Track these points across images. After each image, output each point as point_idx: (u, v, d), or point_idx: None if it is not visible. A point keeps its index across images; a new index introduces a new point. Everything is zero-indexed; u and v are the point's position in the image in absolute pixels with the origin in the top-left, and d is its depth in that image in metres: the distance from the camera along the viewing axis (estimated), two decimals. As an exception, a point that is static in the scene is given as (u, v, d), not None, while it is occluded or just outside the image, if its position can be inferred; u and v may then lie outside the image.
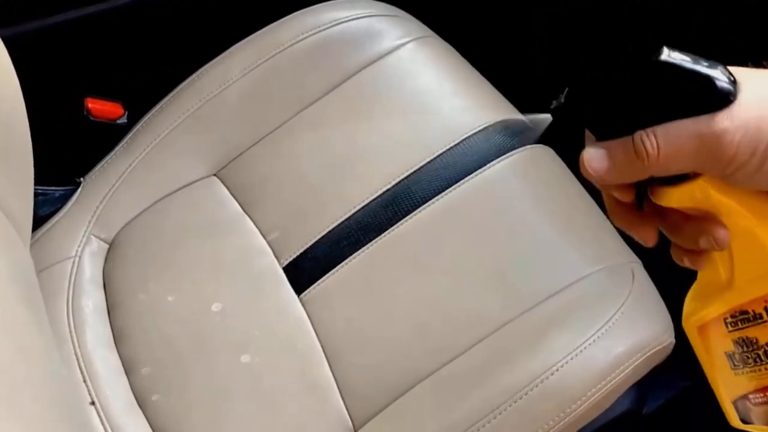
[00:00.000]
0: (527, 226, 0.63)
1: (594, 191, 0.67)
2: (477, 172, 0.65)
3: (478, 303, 0.57)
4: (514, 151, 0.67)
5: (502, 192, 0.65)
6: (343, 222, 0.65)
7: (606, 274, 0.58)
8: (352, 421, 0.56)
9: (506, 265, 0.60)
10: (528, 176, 0.67)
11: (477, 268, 0.60)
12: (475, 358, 0.55)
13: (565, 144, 0.72)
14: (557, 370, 0.51)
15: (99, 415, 0.57)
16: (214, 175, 0.71)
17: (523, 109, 0.73)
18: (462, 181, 0.65)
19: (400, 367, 0.56)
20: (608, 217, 0.35)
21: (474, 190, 0.65)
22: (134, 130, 0.73)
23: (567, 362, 0.52)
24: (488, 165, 0.66)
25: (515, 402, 0.50)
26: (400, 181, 0.66)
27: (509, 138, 0.68)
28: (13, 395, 0.40)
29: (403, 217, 0.64)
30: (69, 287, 0.65)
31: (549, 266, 0.60)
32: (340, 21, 0.72)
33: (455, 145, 0.67)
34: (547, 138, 0.71)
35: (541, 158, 0.68)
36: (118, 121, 0.72)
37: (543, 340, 0.54)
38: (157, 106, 0.73)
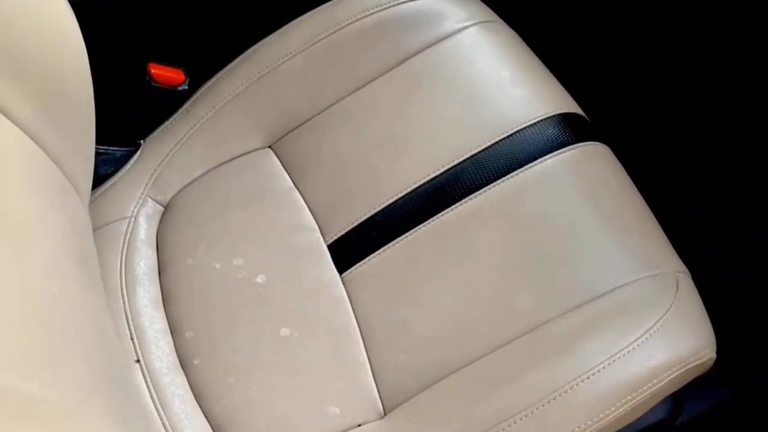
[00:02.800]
0: (574, 226, 0.62)
1: (648, 195, 0.66)
2: (528, 165, 0.65)
3: (517, 299, 0.57)
4: (569, 147, 0.66)
5: (553, 188, 0.64)
6: (389, 205, 0.65)
7: (650, 282, 0.58)
8: (382, 403, 0.57)
9: (549, 264, 0.60)
10: (581, 174, 0.66)
11: (519, 263, 0.60)
12: (509, 356, 0.55)
13: (624, 143, 0.70)
14: (590, 376, 0.51)
15: (143, 373, 0.59)
16: (269, 147, 0.72)
17: (585, 104, 0.71)
18: (512, 174, 0.64)
19: (434, 356, 0.57)
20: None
21: (523, 184, 0.64)
22: (194, 97, 0.74)
23: (601, 369, 0.51)
24: (541, 159, 0.65)
25: (545, 404, 0.51)
26: (449, 169, 0.66)
27: (565, 133, 0.67)
28: (61, 352, 0.43)
29: (450, 205, 0.64)
30: (123, 246, 0.67)
31: (593, 269, 0.59)
32: (400, 1, 0.72)
33: (508, 136, 0.67)
34: (605, 136, 0.69)
35: (597, 156, 0.67)
36: (179, 88, 0.74)
37: (579, 344, 0.54)
38: (218, 75, 0.74)
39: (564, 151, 0.65)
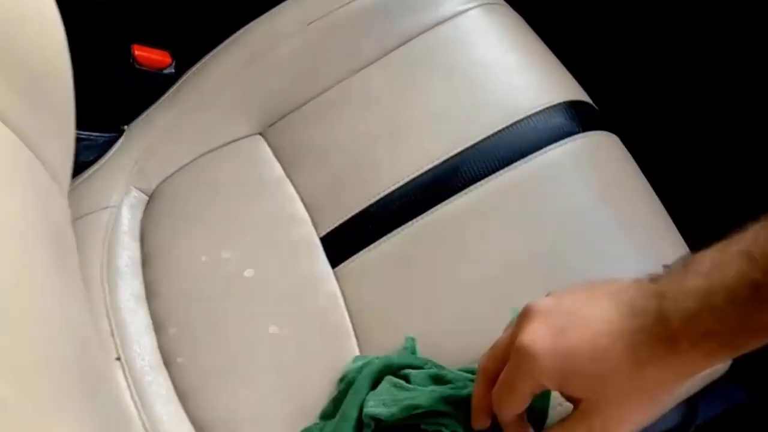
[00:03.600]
0: (582, 218, 0.58)
1: (658, 187, 0.63)
2: (533, 154, 0.61)
3: (522, 296, 0.54)
4: (576, 136, 0.62)
5: (558, 178, 0.61)
6: (386, 196, 0.62)
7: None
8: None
9: (554, 259, 0.56)
10: (588, 164, 0.62)
11: (524, 258, 0.57)
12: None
13: (632, 132, 0.67)
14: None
15: (124, 372, 0.56)
16: (259, 134, 0.69)
17: (591, 91, 0.68)
18: (516, 164, 0.61)
19: (432, 356, 0.53)
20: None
21: (528, 174, 0.61)
22: (181, 80, 0.71)
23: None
24: (546, 148, 0.61)
25: (553, 408, 0.47)
26: (448, 159, 0.62)
27: (572, 121, 0.64)
28: (26, 349, 0.39)
29: (450, 196, 0.60)
30: (105, 237, 0.64)
31: (602, 264, 0.56)
32: (400, -19, 0.68)
33: (513, 124, 0.63)
34: (613, 125, 0.66)
35: (605, 146, 0.64)
36: (165, 71, 0.70)
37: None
38: (206, 58, 0.71)
39: (571, 140, 0.62)
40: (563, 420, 0.40)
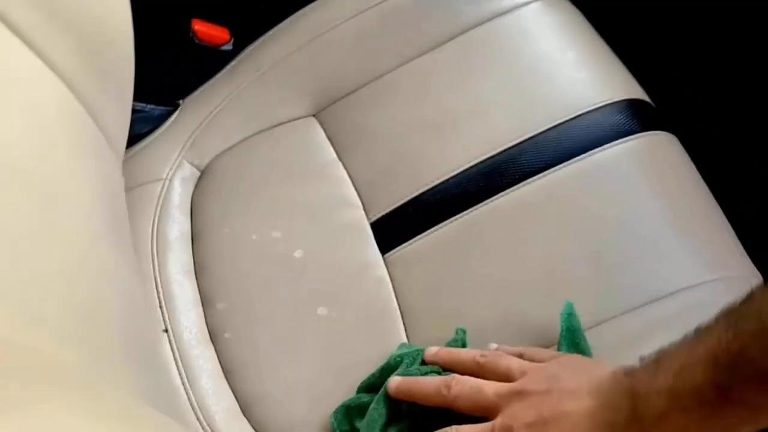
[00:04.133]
0: (637, 220, 0.57)
1: (718, 191, 0.61)
2: (590, 152, 0.60)
3: (570, 295, 0.53)
4: (634, 135, 0.61)
5: (615, 178, 0.60)
6: (439, 185, 0.61)
7: (720, 285, 0.53)
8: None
9: (608, 259, 0.56)
10: (646, 164, 0.61)
11: (575, 257, 0.56)
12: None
13: (692, 133, 0.66)
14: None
15: (170, 343, 0.57)
16: (313, 115, 0.68)
17: (650, 91, 0.67)
18: (572, 160, 0.60)
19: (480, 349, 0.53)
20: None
21: (583, 172, 0.60)
22: (239, 58, 0.71)
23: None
24: (603, 146, 0.61)
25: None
26: (504, 151, 0.62)
27: (630, 120, 0.63)
28: (89, 317, 0.40)
29: (503, 189, 0.60)
30: (156, 210, 0.64)
31: (656, 267, 0.55)
32: (461, -30, 0.67)
33: (570, 120, 0.62)
34: (673, 125, 0.65)
35: (663, 146, 0.63)
36: (223, 47, 0.70)
37: (639, 350, 0.50)
38: (264, 36, 0.70)
39: (629, 140, 0.61)
40: None
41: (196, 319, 0.59)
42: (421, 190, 0.61)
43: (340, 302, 0.58)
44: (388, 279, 0.59)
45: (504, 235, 0.58)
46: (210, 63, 0.70)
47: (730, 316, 0.36)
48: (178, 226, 0.64)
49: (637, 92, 0.66)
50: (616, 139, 0.61)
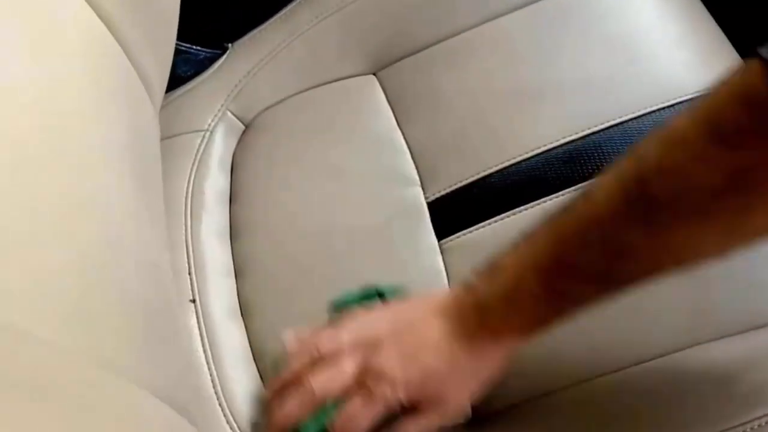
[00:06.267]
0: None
1: None
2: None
3: (664, 310, 0.46)
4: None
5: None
6: (510, 167, 0.54)
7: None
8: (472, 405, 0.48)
9: (710, 273, 0.48)
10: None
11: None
12: (638, 380, 0.45)
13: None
14: (750, 429, 0.40)
15: (197, 316, 0.51)
16: (374, 74, 0.61)
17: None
18: (669, 154, 0.52)
19: (546, 363, 0.46)
20: None
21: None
22: (296, 1, 0.63)
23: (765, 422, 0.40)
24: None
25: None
26: (589, 134, 0.54)
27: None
28: (97, 279, 0.34)
29: (584, 179, 0.52)
30: (194, 164, 0.58)
31: (764, 289, 0.47)
32: None
33: (670, 105, 0.54)
34: None
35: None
36: (282, -12, 0.63)
37: (735, 383, 0.43)
38: (328, -21, 0.63)
39: (736, 136, 0.53)
40: (413, 416, 0.44)
41: (227, 289, 0.53)
42: (488, 171, 0.54)
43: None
44: (442, 268, 0.52)
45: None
46: (264, 4, 0.63)
47: (552, 222, 0.39)
48: (217, 184, 0.58)
49: (747, 81, 0.57)
50: (721, 134, 0.53)
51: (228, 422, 0.47)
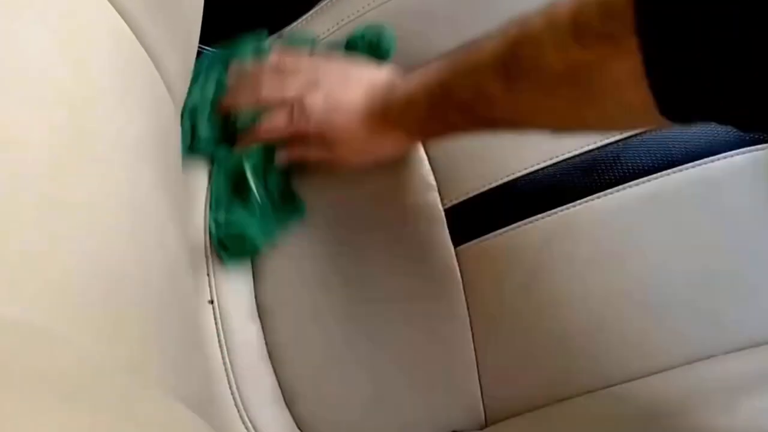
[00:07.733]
0: (757, 248, 0.50)
1: None
2: (706, 160, 0.52)
3: (681, 321, 0.46)
4: (762, 146, 0.53)
5: (735, 193, 0.52)
6: (530, 174, 0.54)
7: None
8: (485, 413, 0.48)
9: (717, 287, 0.48)
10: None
11: (693, 277, 0.49)
12: (650, 391, 0.45)
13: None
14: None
15: (215, 318, 0.51)
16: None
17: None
18: (690, 164, 0.52)
19: (556, 372, 0.46)
20: None
21: (697, 181, 0.52)
22: (315, 9, 0.64)
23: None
24: (723, 154, 0.53)
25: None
26: (606, 145, 0.54)
27: None
28: (112, 279, 0.34)
29: (605, 188, 0.52)
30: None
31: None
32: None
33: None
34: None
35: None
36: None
37: (749, 395, 0.43)
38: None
39: (756, 149, 0.53)
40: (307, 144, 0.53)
41: (246, 292, 0.54)
42: (513, 176, 0.54)
43: (396, 291, 0.52)
44: (458, 275, 0.53)
45: (601, 241, 0.51)
46: (286, 13, 0.63)
47: (455, 54, 0.45)
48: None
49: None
50: (740, 147, 0.53)
51: (245, 425, 0.48)
